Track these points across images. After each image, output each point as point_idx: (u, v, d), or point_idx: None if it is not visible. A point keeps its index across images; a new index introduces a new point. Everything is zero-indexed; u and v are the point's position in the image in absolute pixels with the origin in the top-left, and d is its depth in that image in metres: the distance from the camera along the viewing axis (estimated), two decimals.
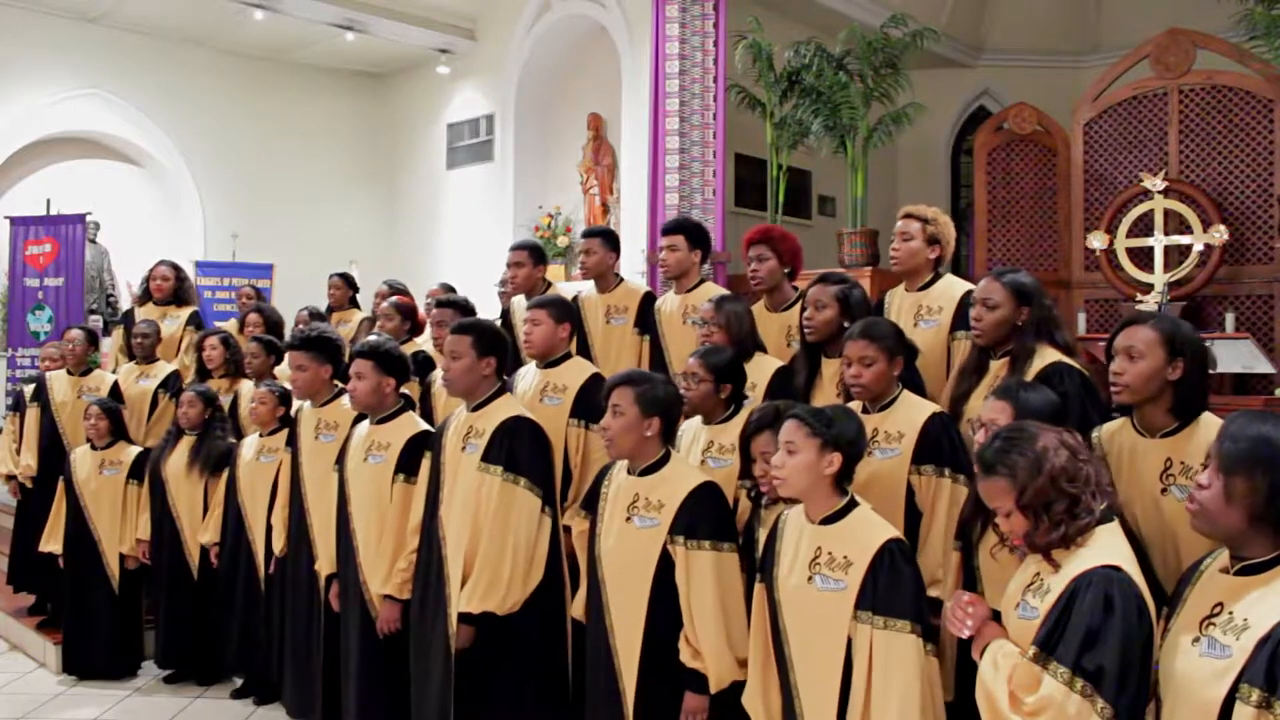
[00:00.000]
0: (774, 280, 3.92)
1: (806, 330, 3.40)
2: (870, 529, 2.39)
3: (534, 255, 4.59)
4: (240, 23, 8.90)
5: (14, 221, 8.12)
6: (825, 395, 3.32)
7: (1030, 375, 2.84)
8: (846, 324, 3.26)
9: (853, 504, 2.45)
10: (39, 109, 8.81)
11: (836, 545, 2.38)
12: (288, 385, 4.72)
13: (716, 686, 2.68)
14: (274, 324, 5.71)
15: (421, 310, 5.56)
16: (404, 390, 3.76)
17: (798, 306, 3.84)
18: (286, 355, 4.03)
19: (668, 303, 4.24)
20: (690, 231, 4.18)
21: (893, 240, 3.63)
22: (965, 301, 3.42)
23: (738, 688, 2.67)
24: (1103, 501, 2.06)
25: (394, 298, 5.32)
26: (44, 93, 8.82)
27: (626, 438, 2.84)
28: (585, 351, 4.31)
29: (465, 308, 4.27)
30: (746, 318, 3.55)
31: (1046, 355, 2.90)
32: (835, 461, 2.40)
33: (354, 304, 6.50)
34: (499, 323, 4.86)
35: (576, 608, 3.11)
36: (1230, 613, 1.79)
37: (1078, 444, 2.10)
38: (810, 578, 2.39)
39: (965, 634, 2.15)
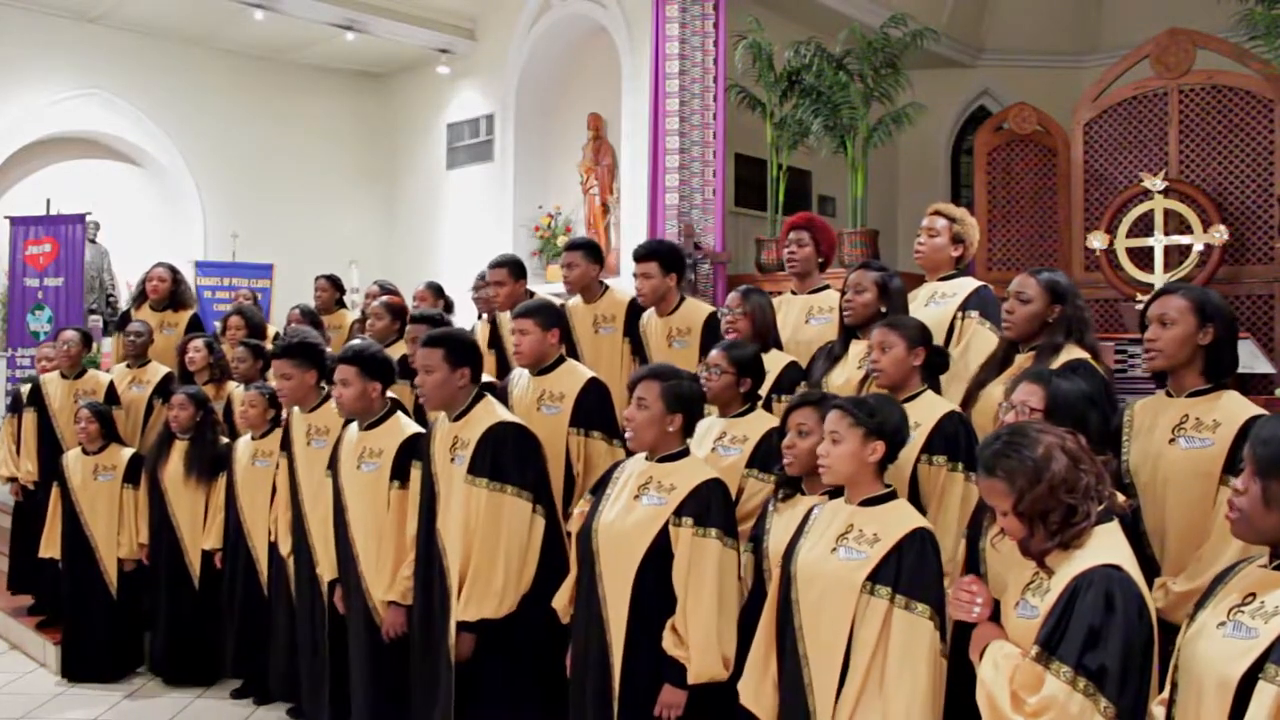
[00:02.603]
0: (808, 266, 4.03)
1: (846, 313, 3.52)
2: (905, 515, 2.43)
3: (513, 271, 4.54)
4: (240, 23, 8.90)
5: (14, 221, 8.11)
6: (846, 370, 3.44)
7: (1053, 367, 2.87)
8: (884, 309, 3.41)
9: (895, 494, 2.50)
10: (39, 109, 8.80)
11: (869, 524, 2.41)
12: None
13: (695, 679, 2.67)
14: (256, 326, 5.64)
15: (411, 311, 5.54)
16: (391, 395, 3.73)
17: (823, 292, 4.01)
18: (271, 364, 4.02)
19: (652, 324, 4.23)
20: (663, 256, 4.15)
21: (918, 235, 3.72)
22: (978, 291, 3.53)
23: (719, 686, 2.66)
24: (1100, 505, 2.05)
25: (384, 297, 5.29)
26: (44, 93, 8.82)
27: (649, 431, 2.86)
28: (573, 357, 4.29)
29: (437, 321, 4.23)
30: (770, 310, 3.70)
31: (1072, 353, 2.95)
32: (878, 450, 2.45)
33: (341, 305, 6.44)
34: (486, 331, 4.84)
35: (559, 598, 3.07)
36: (1262, 601, 1.78)
37: (1080, 450, 2.08)
38: (835, 549, 2.41)
39: (972, 617, 2.15)
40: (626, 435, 2.96)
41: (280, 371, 3.92)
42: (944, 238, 3.64)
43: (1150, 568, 2.49)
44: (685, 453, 2.92)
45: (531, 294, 4.60)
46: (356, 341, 3.94)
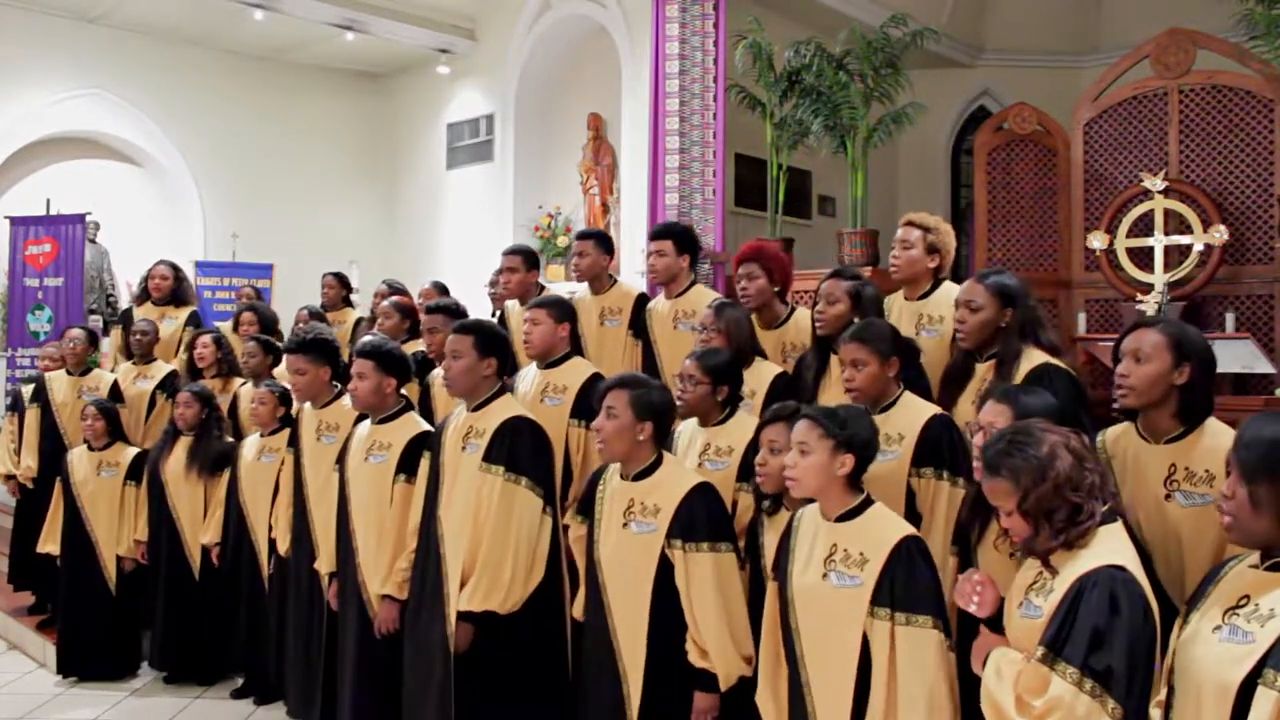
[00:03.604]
0: (763, 299, 3.85)
1: (818, 324, 3.43)
2: (886, 526, 2.39)
3: (527, 260, 4.57)
4: (240, 23, 8.90)
5: (14, 221, 8.12)
6: (834, 391, 3.33)
7: (1019, 378, 2.84)
8: (857, 320, 3.27)
9: (868, 502, 2.44)
10: (39, 109, 8.80)
11: (852, 542, 2.38)
12: (287, 384, 4.73)
13: (726, 684, 2.70)
14: (269, 322, 5.68)
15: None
16: (402, 391, 3.76)
17: (790, 323, 3.86)
18: (285, 359, 4.03)
19: (659, 307, 4.21)
20: (678, 236, 4.15)
21: (893, 248, 3.61)
22: None
23: (745, 686, 2.67)
24: (1105, 504, 2.05)
25: (394, 297, 5.32)
26: (44, 93, 8.82)
27: (619, 440, 2.85)
28: (579, 354, 4.30)
29: (457, 311, 4.26)
30: (746, 323, 3.55)
31: (1034, 357, 2.89)
32: (848, 463, 2.40)
33: (348, 303, 6.48)
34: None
35: (577, 609, 3.11)
36: (1256, 604, 1.78)
37: (1084, 449, 2.08)
38: (825, 575, 2.38)
39: (971, 609, 2.14)
40: (598, 447, 2.94)
41: (295, 366, 3.93)
42: (919, 249, 3.53)
43: (1167, 607, 2.45)
44: (659, 462, 2.89)
45: (542, 287, 4.64)
46: (372, 337, 3.97)
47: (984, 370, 3.00)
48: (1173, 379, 2.43)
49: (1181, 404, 2.45)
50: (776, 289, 3.87)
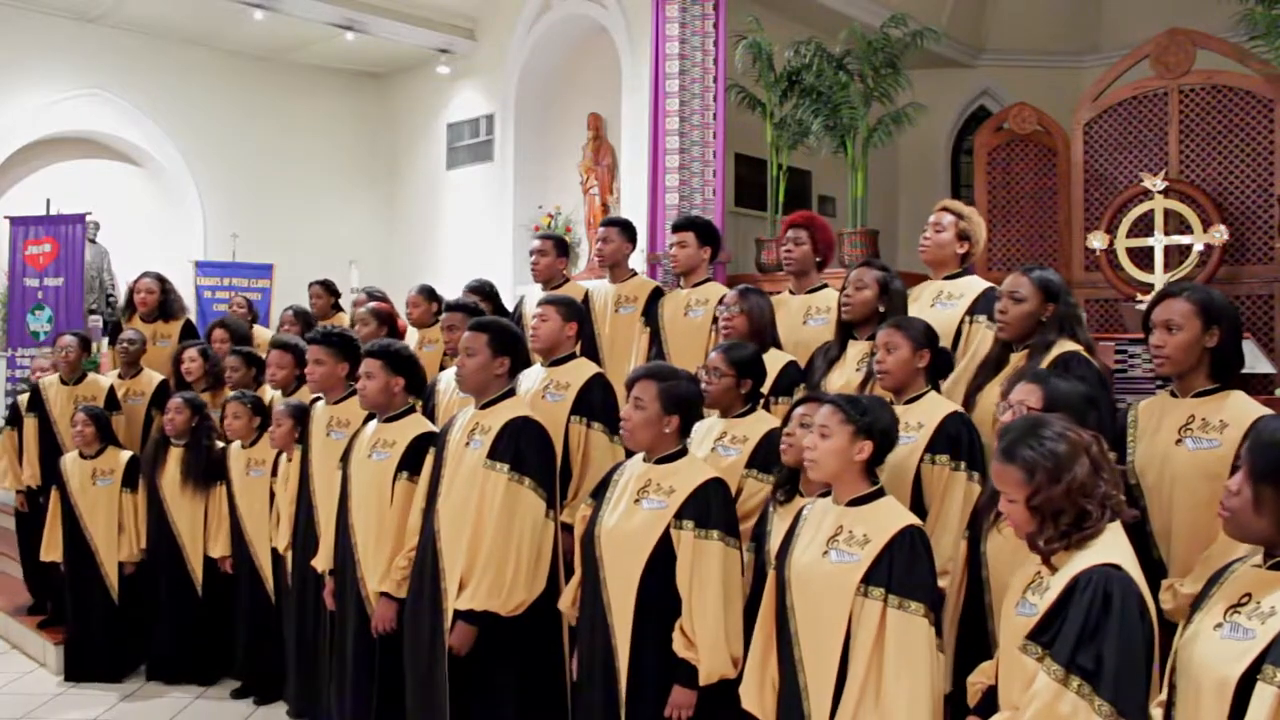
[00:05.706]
0: (805, 264, 4.02)
1: (844, 308, 3.51)
2: (893, 514, 2.42)
3: (557, 246, 4.73)
4: (240, 23, 8.90)
5: (14, 221, 8.11)
6: (845, 373, 3.41)
7: (1046, 362, 2.88)
8: (882, 308, 3.40)
9: (881, 492, 2.48)
10: (39, 109, 8.81)
11: (858, 525, 2.40)
12: (260, 394, 4.73)
13: (706, 680, 2.67)
14: (241, 336, 5.58)
15: (402, 315, 5.56)
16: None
17: (820, 293, 4.00)
18: (307, 350, 4.05)
19: (673, 295, 4.31)
20: (700, 229, 4.28)
21: (924, 230, 3.69)
22: (986, 294, 3.49)
23: (726, 686, 2.66)
24: (1108, 510, 2.03)
25: (371, 304, 5.28)
26: (44, 93, 8.82)
27: (645, 431, 2.85)
28: (592, 340, 4.38)
29: (475, 310, 4.29)
30: (768, 310, 3.67)
31: (1064, 346, 2.95)
32: (866, 449, 2.44)
33: (337, 309, 6.41)
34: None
35: (564, 600, 3.07)
36: (1258, 602, 1.78)
37: (1102, 457, 2.06)
38: (826, 552, 2.40)
39: None
40: (622, 434, 2.96)
41: (314, 357, 3.94)
42: (950, 234, 3.60)
43: (1157, 570, 2.48)
44: (683, 453, 2.91)
45: (566, 278, 4.76)
46: (384, 338, 3.99)
47: (1017, 360, 3.07)
48: (1205, 343, 2.55)
49: (1215, 364, 2.58)
50: (818, 259, 4.05)
